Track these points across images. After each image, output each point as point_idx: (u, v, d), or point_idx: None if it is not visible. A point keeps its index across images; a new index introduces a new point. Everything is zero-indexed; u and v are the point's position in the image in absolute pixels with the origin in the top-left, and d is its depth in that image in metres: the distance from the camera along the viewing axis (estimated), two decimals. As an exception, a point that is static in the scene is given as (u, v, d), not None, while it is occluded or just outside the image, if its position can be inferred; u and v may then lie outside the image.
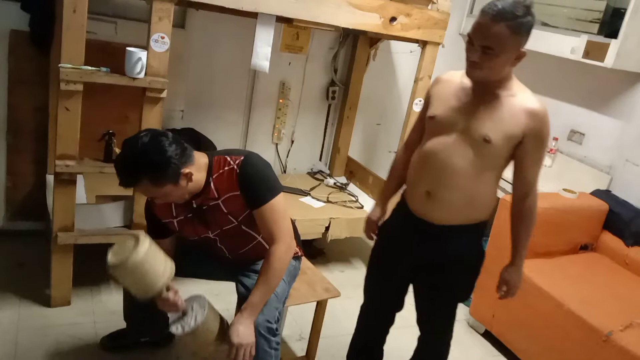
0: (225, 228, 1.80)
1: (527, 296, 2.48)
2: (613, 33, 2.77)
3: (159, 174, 1.59)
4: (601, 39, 2.83)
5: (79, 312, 2.39)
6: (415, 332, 2.06)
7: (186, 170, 1.63)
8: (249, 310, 1.70)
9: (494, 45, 1.51)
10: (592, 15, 2.93)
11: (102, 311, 2.43)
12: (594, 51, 2.83)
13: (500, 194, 2.93)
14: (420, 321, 2.03)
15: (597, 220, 2.83)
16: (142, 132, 1.65)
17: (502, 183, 2.94)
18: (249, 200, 1.72)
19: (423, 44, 2.78)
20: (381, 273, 2.01)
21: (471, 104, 1.66)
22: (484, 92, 1.65)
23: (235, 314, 1.75)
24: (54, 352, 2.15)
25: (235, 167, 1.71)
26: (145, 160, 1.57)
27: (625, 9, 2.72)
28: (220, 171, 1.72)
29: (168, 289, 1.67)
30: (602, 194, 2.92)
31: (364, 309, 2.14)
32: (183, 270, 1.94)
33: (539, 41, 3.12)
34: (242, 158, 1.73)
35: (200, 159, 1.73)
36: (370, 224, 2.06)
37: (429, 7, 2.76)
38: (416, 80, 2.85)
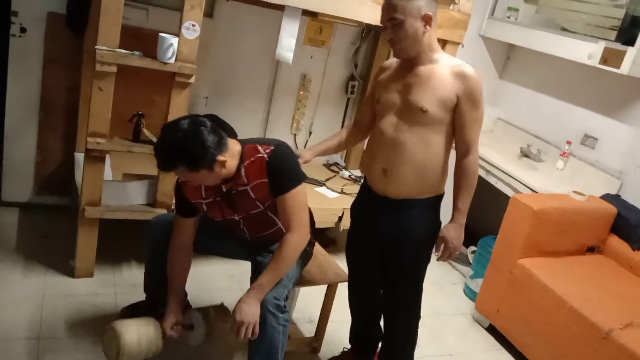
0: (251, 212, 1.90)
1: (531, 293, 2.56)
2: (630, 41, 2.81)
3: (197, 162, 1.68)
4: (618, 46, 2.87)
5: (101, 283, 2.52)
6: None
7: (221, 158, 1.72)
8: (255, 290, 1.80)
9: (395, 14, 1.72)
10: (611, 22, 2.97)
11: (123, 284, 2.55)
12: (611, 58, 2.87)
13: (510, 193, 3.01)
14: (384, 301, 2.12)
15: (605, 223, 2.88)
16: (183, 119, 1.74)
17: (513, 182, 3.04)
18: (274, 187, 1.81)
19: (443, 43, 2.85)
20: (355, 253, 2.16)
21: (406, 82, 1.83)
22: (414, 67, 1.82)
23: None
24: (76, 319, 2.27)
25: (265, 155, 1.80)
26: (184, 148, 1.66)
27: (644, 17, 2.77)
28: (252, 159, 1.82)
29: (164, 334, 1.89)
30: (612, 198, 2.98)
31: (349, 292, 2.25)
32: (203, 247, 2.05)
33: (557, 46, 3.18)
34: (272, 148, 1.82)
35: (234, 146, 1.83)
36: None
37: (451, 7, 2.83)
38: (434, 78, 2.92)
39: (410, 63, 1.83)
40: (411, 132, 1.82)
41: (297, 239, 1.83)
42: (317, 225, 2.99)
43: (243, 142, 1.87)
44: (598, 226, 2.88)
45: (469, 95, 1.78)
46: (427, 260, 2.03)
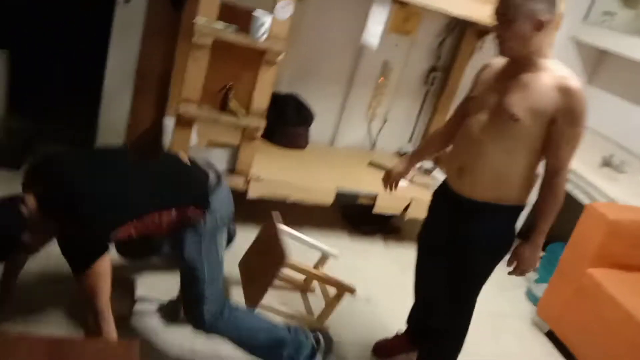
0: None
1: (597, 303, 2.50)
2: None
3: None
4: None
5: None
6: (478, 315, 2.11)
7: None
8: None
9: (507, 10, 1.63)
10: None
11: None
12: None
13: (585, 200, 2.92)
14: (441, 294, 2.07)
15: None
16: None
17: (590, 190, 2.95)
18: None
19: (532, 40, 2.80)
20: (423, 242, 2.17)
21: (505, 84, 1.74)
22: (518, 71, 1.72)
23: None
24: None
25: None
26: None
27: None
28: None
29: None
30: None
31: (414, 283, 2.27)
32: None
33: (635, 49, 3.06)
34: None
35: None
36: (389, 175, 2.20)
37: (544, 5, 2.77)
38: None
39: (515, 65, 1.74)
40: (496, 135, 1.75)
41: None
42: (384, 212, 3.06)
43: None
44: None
45: (569, 112, 1.66)
46: (491, 270, 1.96)
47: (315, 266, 2.54)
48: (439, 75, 3.58)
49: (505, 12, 1.64)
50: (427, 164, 3.66)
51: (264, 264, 2.20)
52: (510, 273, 1.90)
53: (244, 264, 2.35)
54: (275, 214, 2.29)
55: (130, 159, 1.80)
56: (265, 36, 2.32)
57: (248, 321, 1.89)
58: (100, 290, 1.55)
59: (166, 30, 2.95)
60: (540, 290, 3.02)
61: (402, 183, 3.23)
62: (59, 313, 2.05)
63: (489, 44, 3.52)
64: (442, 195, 2.03)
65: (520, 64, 1.72)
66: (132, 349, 1.42)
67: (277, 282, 2.42)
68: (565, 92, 1.65)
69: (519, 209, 1.88)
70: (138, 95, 3.08)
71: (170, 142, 2.50)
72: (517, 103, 1.69)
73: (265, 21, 2.29)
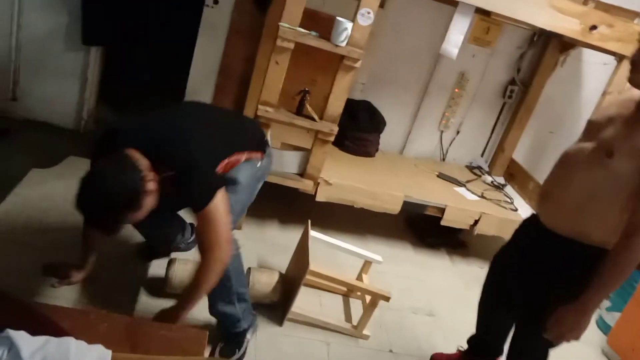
0: None
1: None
2: None
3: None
4: None
5: (247, 237, 2.71)
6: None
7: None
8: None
9: None
10: None
11: (264, 240, 2.78)
12: None
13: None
14: (512, 338, 1.93)
15: None
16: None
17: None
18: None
19: (620, 57, 2.68)
20: (495, 266, 2.05)
21: (620, 114, 1.57)
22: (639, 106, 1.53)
23: None
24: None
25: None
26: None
27: None
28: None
29: None
30: None
31: (480, 303, 2.16)
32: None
33: None
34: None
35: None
36: None
37: (635, 20, 2.64)
38: (604, 94, 2.76)
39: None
40: (589, 167, 1.59)
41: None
42: (450, 224, 3.02)
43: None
44: None
45: None
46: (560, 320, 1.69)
47: (360, 273, 2.55)
48: (518, 89, 3.49)
49: None
50: (501, 179, 3.58)
51: (297, 271, 2.29)
52: (545, 335, 1.62)
53: (287, 272, 2.45)
54: (308, 224, 2.35)
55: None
56: (346, 42, 2.36)
57: (237, 265, 1.93)
58: (221, 220, 1.63)
59: (249, 32, 3.06)
60: (612, 318, 2.88)
61: (472, 196, 3.20)
62: (129, 295, 2.17)
63: (574, 58, 3.40)
64: (529, 222, 1.88)
65: None
66: (201, 338, 1.50)
67: (321, 286, 2.50)
68: None
69: (599, 252, 1.60)
70: (218, 93, 3.21)
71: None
72: (619, 139, 1.53)
73: (347, 27, 2.33)
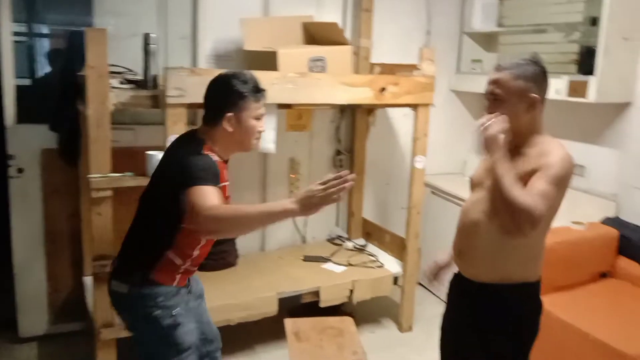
0: None
1: (551, 332, 2.53)
2: (591, 70, 2.96)
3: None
4: (581, 77, 3.02)
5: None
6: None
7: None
8: None
9: (498, 91, 1.63)
10: (569, 57, 3.13)
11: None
12: (578, 89, 3.01)
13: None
14: None
15: (610, 247, 2.91)
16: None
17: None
18: None
19: (414, 107, 3.00)
20: (442, 334, 1.98)
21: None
22: (512, 150, 1.65)
23: None
24: None
25: None
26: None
27: (596, 48, 2.93)
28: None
29: None
30: (612, 221, 3.02)
31: None
32: None
33: None
34: None
35: None
36: (431, 267, 2.02)
37: (414, 72, 2.99)
38: (414, 140, 3.05)
39: (511, 143, 1.64)
40: (487, 214, 1.67)
41: None
42: (330, 303, 3.03)
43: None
44: (604, 251, 2.90)
45: (544, 165, 1.57)
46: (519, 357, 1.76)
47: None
48: (345, 157, 3.72)
49: (495, 91, 1.64)
50: (361, 241, 3.71)
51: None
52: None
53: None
54: None
55: None
56: (163, 172, 2.33)
57: None
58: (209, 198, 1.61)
59: (67, 188, 2.91)
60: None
61: (340, 268, 3.26)
62: None
63: (381, 116, 3.74)
64: (453, 278, 1.91)
65: (515, 143, 1.66)
66: None
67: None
68: (543, 154, 1.60)
69: (527, 285, 1.71)
70: (51, 260, 2.96)
71: (93, 302, 2.39)
72: None
73: (159, 158, 2.31)
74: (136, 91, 2.38)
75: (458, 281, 1.85)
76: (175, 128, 2.34)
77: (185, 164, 1.70)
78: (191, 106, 2.38)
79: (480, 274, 1.73)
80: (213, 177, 1.70)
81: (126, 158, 2.47)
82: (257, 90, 1.82)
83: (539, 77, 1.64)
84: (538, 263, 1.72)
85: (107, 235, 2.30)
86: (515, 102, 1.62)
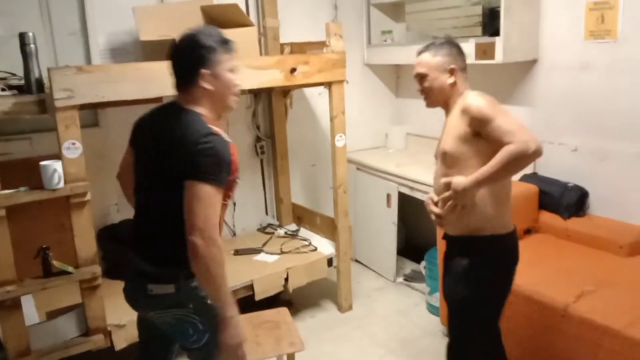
0: None
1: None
2: (497, 31, 2.99)
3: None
4: (487, 39, 3.04)
5: None
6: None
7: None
8: None
9: (422, 70, 1.95)
10: (474, 20, 3.15)
11: None
12: (487, 51, 3.03)
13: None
14: None
15: (531, 203, 2.98)
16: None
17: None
18: None
19: (328, 84, 2.93)
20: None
21: (442, 130, 2.00)
22: (447, 114, 1.98)
23: None
24: None
25: None
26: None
27: (499, 8, 2.95)
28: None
29: None
30: (530, 178, 3.09)
31: None
32: None
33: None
34: None
35: None
36: (428, 202, 2.06)
37: (324, 50, 2.91)
38: (332, 119, 2.98)
39: (446, 111, 1.99)
40: (443, 175, 1.91)
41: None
42: (266, 295, 2.95)
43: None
44: (526, 208, 2.96)
45: (477, 119, 1.79)
46: (475, 303, 1.96)
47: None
48: (265, 143, 3.61)
49: (419, 71, 1.95)
50: (292, 226, 3.64)
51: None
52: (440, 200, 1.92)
53: None
54: None
55: None
56: (62, 182, 2.15)
57: None
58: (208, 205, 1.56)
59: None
60: (437, 300, 3.08)
61: (273, 257, 3.18)
62: None
63: (298, 97, 3.65)
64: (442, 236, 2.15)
65: (447, 109, 1.98)
66: None
67: None
68: (465, 110, 1.84)
69: (484, 239, 1.94)
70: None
71: (3, 331, 2.18)
72: (445, 140, 1.92)
73: (56, 167, 2.13)
74: (19, 97, 2.17)
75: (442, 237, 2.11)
76: (69, 133, 2.15)
77: (195, 152, 1.55)
78: (84, 107, 2.19)
79: (454, 228, 1.98)
80: (225, 172, 1.59)
81: (21, 171, 2.27)
82: (225, 42, 1.70)
83: (453, 51, 1.96)
84: (503, 217, 1.96)
85: (6, 259, 2.09)
86: (438, 75, 1.93)
